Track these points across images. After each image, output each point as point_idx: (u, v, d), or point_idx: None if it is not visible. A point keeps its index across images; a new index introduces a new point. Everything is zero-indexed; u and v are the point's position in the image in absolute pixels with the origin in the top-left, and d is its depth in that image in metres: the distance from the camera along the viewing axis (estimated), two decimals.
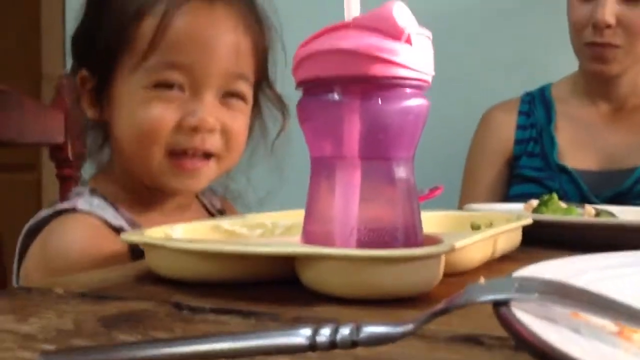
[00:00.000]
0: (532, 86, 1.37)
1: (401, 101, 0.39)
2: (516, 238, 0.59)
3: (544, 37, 1.50)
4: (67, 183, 0.95)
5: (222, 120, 0.68)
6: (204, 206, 0.82)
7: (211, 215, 0.81)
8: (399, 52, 0.38)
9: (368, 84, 0.39)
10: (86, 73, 0.71)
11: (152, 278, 0.45)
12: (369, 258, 0.37)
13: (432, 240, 0.43)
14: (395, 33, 0.38)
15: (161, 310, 0.37)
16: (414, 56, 0.39)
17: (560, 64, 1.39)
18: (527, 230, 0.61)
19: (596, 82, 1.26)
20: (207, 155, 0.69)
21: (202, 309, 0.37)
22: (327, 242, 0.40)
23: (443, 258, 0.41)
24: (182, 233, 0.54)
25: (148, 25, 0.66)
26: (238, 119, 0.70)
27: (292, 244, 0.40)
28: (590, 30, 1.18)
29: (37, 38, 1.86)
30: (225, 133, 0.69)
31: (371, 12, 0.40)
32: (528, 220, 0.59)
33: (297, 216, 0.63)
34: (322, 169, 0.41)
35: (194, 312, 0.37)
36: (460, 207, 1.33)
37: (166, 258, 0.43)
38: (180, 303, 0.38)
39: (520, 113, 1.34)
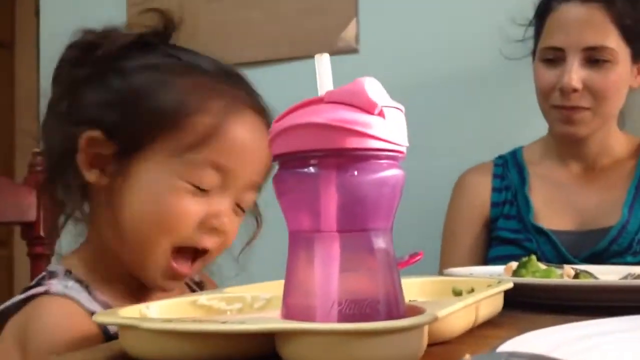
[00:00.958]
0: (503, 150, 1.39)
1: (377, 173, 0.39)
2: (498, 302, 0.58)
3: (513, 101, 1.54)
4: (38, 261, 0.93)
5: (232, 225, 0.70)
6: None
7: (191, 289, 0.79)
8: (373, 124, 0.39)
9: (343, 157, 0.39)
10: (101, 136, 0.67)
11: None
12: (351, 332, 0.37)
13: (415, 310, 0.42)
14: (368, 107, 0.39)
15: None
16: (388, 128, 0.39)
17: (529, 127, 1.43)
18: (507, 293, 0.61)
19: (566, 144, 1.29)
20: (203, 252, 0.69)
21: None
22: (308, 316, 0.39)
23: (426, 328, 0.40)
24: (158, 311, 0.53)
25: (202, 121, 0.66)
26: (237, 224, 0.72)
27: (272, 320, 0.40)
28: (558, 94, 1.21)
29: (10, 112, 1.86)
30: (226, 235, 0.70)
31: (343, 88, 0.40)
32: (509, 285, 0.59)
33: (276, 288, 0.62)
34: (301, 242, 0.41)
35: None
36: (440, 271, 1.33)
37: (141, 339, 0.42)
38: None
39: (495, 176, 1.35)
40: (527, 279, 0.71)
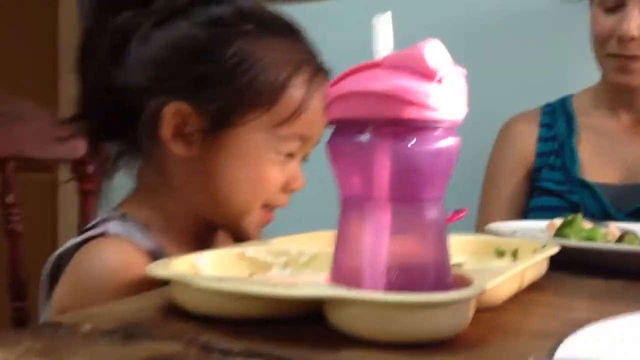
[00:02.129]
0: (552, 97, 1.35)
1: (433, 143, 0.39)
2: (542, 267, 0.58)
3: (565, 46, 1.49)
4: (87, 196, 0.95)
5: None
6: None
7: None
8: (431, 94, 0.38)
9: (399, 126, 0.38)
10: (189, 109, 0.67)
11: (180, 312, 0.45)
12: (399, 303, 0.37)
13: (463, 280, 0.42)
14: (427, 74, 0.38)
15: (191, 352, 0.37)
16: (446, 98, 0.38)
17: (580, 74, 1.38)
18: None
19: (619, 93, 1.25)
20: None
21: (230, 351, 0.37)
22: (356, 282, 0.40)
23: (474, 300, 0.40)
24: (208, 262, 0.54)
25: (293, 96, 0.69)
26: None
27: (320, 286, 0.40)
28: (615, 41, 1.16)
29: (54, 52, 1.87)
30: None
31: (403, 52, 0.39)
32: (554, 250, 0.58)
33: (321, 241, 0.63)
34: (352, 208, 0.41)
35: (223, 355, 0.37)
36: (479, 219, 1.32)
37: (192, 295, 0.43)
38: (209, 345, 0.38)
39: (542, 125, 1.32)
40: (572, 242, 0.70)
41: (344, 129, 0.40)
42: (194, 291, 0.42)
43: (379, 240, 0.40)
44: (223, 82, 0.67)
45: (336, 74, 0.71)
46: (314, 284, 0.41)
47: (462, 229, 0.89)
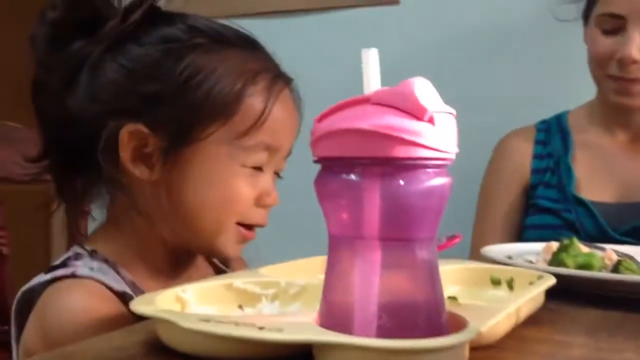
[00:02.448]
0: (544, 112, 1.35)
1: (423, 182, 0.37)
2: (539, 300, 0.56)
3: (559, 62, 1.48)
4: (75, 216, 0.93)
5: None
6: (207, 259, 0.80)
7: (215, 266, 0.79)
8: (421, 132, 0.36)
9: (389, 165, 0.37)
10: (145, 130, 0.65)
11: (161, 350, 0.43)
12: (390, 349, 0.36)
13: (456, 321, 0.41)
14: (417, 112, 0.37)
15: None
16: (437, 136, 0.37)
17: (575, 90, 1.37)
18: None
19: (616, 111, 1.24)
20: None
21: None
22: (346, 324, 0.38)
23: (468, 343, 0.39)
24: (193, 295, 0.53)
25: (252, 105, 0.67)
26: None
27: (309, 329, 0.39)
28: (615, 64, 1.15)
29: None
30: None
31: (392, 89, 0.38)
32: (550, 282, 0.57)
33: (311, 269, 0.61)
34: (341, 247, 0.40)
35: None
36: (474, 237, 1.31)
37: (176, 334, 0.42)
38: None
39: (537, 142, 1.31)
40: (568, 271, 0.68)
41: (332, 167, 0.39)
42: (178, 330, 0.41)
43: (369, 281, 0.38)
44: (176, 98, 0.65)
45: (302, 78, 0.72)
46: (302, 326, 0.39)
47: (458, 248, 0.88)
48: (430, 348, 0.36)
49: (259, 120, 0.66)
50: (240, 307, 0.54)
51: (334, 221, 0.40)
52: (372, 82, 0.40)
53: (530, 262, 0.77)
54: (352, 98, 0.39)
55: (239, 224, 0.69)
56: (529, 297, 0.51)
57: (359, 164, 0.37)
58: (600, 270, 0.74)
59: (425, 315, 0.39)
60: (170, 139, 0.65)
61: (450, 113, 0.39)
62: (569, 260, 0.75)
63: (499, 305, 0.46)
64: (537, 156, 1.30)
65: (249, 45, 0.71)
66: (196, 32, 0.68)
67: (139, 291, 0.66)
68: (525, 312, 0.52)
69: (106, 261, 0.67)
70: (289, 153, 0.72)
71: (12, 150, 0.85)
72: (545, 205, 1.25)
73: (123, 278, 0.66)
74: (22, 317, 0.65)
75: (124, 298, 0.64)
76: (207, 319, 0.40)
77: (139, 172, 0.66)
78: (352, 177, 0.38)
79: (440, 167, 0.38)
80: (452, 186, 0.40)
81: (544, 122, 1.33)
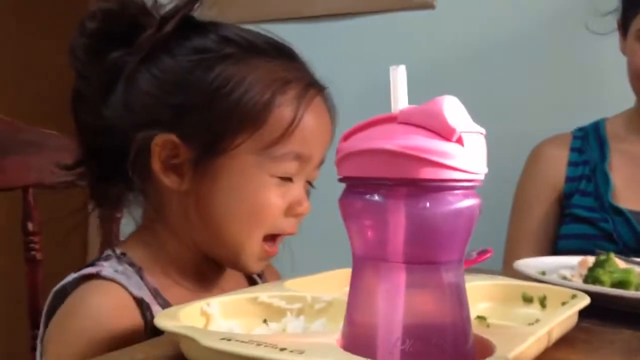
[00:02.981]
0: (581, 119, 1.31)
1: (450, 204, 0.36)
2: (572, 320, 0.55)
3: (596, 71, 1.45)
4: (108, 221, 0.94)
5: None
6: None
7: (248, 276, 0.79)
8: (449, 153, 0.35)
9: (415, 187, 0.36)
10: (176, 140, 0.65)
11: None
12: None
13: (483, 347, 0.40)
14: (445, 133, 0.36)
15: None
16: (465, 157, 0.36)
17: (613, 98, 1.34)
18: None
19: None
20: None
21: None
22: (369, 348, 0.38)
23: None
24: (219, 309, 0.52)
25: (281, 114, 0.66)
26: None
27: (331, 351, 0.38)
28: None
29: None
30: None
31: (420, 107, 0.37)
32: (584, 303, 0.55)
33: (338, 282, 0.61)
34: (365, 269, 0.39)
35: None
36: (507, 247, 1.28)
37: (198, 350, 0.42)
38: None
39: (572, 149, 1.28)
40: (603, 290, 0.66)
41: (356, 187, 0.38)
42: (199, 347, 0.41)
43: (394, 304, 0.37)
44: (205, 108, 0.65)
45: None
46: (324, 348, 0.38)
47: (491, 259, 0.86)
48: None
49: (288, 130, 0.66)
50: (265, 321, 0.53)
51: (358, 242, 0.39)
52: (400, 99, 0.39)
53: (565, 277, 0.75)
54: (379, 116, 0.38)
55: (265, 237, 0.68)
56: (561, 319, 0.49)
57: (384, 185, 0.36)
58: (637, 287, 0.72)
59: (450, 341, 0.37)
60: (201, 149, 0.65)
61: (480, 133, 0.38)
62: (605, 277, 0.73)
63: (529, 328, 0.45)
64: (572, 163, 1.27)
65: (281, 53, 0.70)
66: (227, 42, 0.68)
67: (162, 298, 0.67)
68: (557, 334, 0.51)
69: (132, 265, 0.68)
70: (322, 162, 0.71)
71: (47, 156, 0.86)
72: (581, 214, 1.22)
73: (146, 284, 0.67)
74: (51, 316, 0.66)
75: (141, 305, 0.64)
76: (228, 338, 0.40)
77: (170, 182, 0.67)
78: (377, 198, 0.37)
79: (469, 189, 0.37)
80: (481, 207, 0.38)
81: (581, 129, 1.30)
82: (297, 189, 0.68)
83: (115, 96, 0.67)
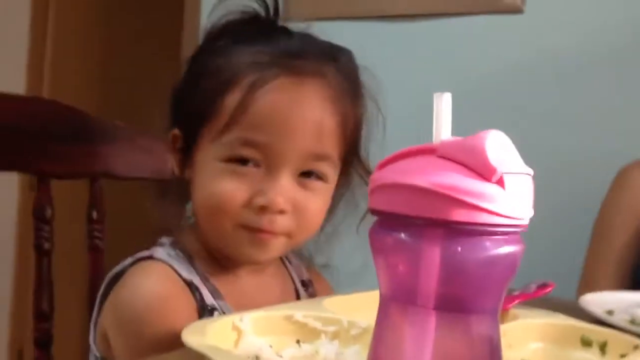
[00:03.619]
0: None
1: (487, 251, 0.33)
2: None
3: None
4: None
5: (296, 201, 0.66)
6: (289, 273, 0.79)
7: (295, 287, 0.78)
8: (486, 195, 0.32)
9: (449, 228, 0.33)
10: (177, 132, 0.71)
11: None
12: None
13: None
14: (485, 172, 0.32)
15: None
16: (505, 200, 0.32)
17: None
18: None
19: None
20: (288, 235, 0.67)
21: None
22: None
23: None
24: (251, 325, 0.51)
25: (233, 99, 0.65)
26: (315, 199, 0.67)
27: None
28: None
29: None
30: (299, 213, 0.66)
31: (462, 141, 0.34)
32: None
33: (376, 307, 0.58)
34: (392, 311, 0.36)
35: None
36: (582, 278, 1.21)
37: None
38: None
39: None
40: None
41: (388, 221, 0.35)
42: None
43: (420, 352, 0.35)
44: (184, 97, 0.70)
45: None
46: None
47: (564, 289, 0.81)
48: None
49: (234, 116, 0.64)
50: (298, 342, 0.52)
51: (385, 280, 0.36)
52: (443, 129, 0.36)
53: (634, 321, 0.69)
54: (417, 146, 0.36)
55: (243, 226, 0.65)
56: None
57: (414, 224, 0.34)
58: None
59: None
60: (185, 139, 0.69)
61: (527, 174, 0.34)
62: None
63: None
64: None
65: (263, 37, 0.68)
66: (213, 34, 0.71)
67: (211, 285, 0.68)
68: None
69: (183, 251, 0.69)
70: (320, 156, 0.66)
71: (112, 146, 0.88)
72: None
73: (196, 269, 0.68)
74: (105, 300, 0.69)
75: (190, 287, 0.66)
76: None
77: (178, 171, 0.71)
78: (407, 236, 0.34)
79: (509, 234, 0.34)
80: (522, 254, 0.35)
81: None
82: (265, 181, 0.64)
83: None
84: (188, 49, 1.98)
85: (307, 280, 0.79)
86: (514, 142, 0.34)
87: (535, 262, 1.18)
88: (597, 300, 0.73)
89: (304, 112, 0.65)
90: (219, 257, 0.71)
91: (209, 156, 0.66)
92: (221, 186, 0.65)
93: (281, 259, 0.79)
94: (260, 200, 0.64)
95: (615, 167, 1.24)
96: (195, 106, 0.68)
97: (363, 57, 0.73)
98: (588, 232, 1.23)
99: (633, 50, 1.39)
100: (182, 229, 0.73)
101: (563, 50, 1.47)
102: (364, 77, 0.72)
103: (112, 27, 2.59)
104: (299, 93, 0.65)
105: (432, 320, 0.34)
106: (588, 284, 1.14)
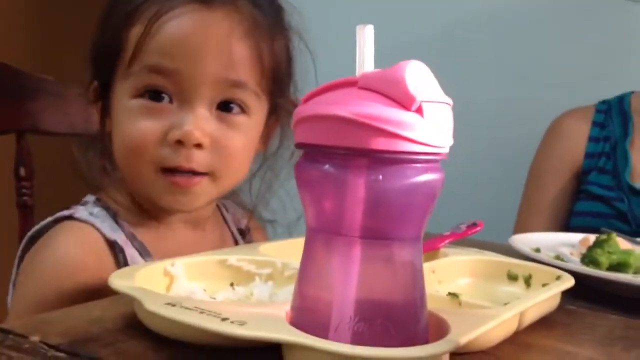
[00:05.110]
0: (608, 95, 1.26)
1: (407, 178, 0.34)
2: (552, 302, 0.52)
3: (622, 42, 1.38)
4: (104, 173, 0.94)
5: (215, 135, 0.63)
6: (225, 221, 0.78)
7: (231, 232, 0.78)
8: (406, 123, 0.33)
9: (369, 157, 0.33)
10: (96, 83, 0.68)
11: (137, 327, 0.42)
12: (360, 357, 0.33)
13: (438, 327, 0.38)
14: (404, 101, 0.33)
15: None
16: (425, 128, 0.33)
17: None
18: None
19: None
20: (200, 173, 0.64)
21: None
22: (318, 325, 0.36)
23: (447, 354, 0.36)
24: (184, 270, 0.51)
25: (138, 30, 0.62)
26: (236, 134, 0.64)
27: (276, 326, 0.36)
28: None
29: None
30: (219, 149, 0.63)
31: (382, 72, 0.34)
32: (567, 284, 0.52)
33: None
34: (318, 242, 0.37)
35: None
36: (517, 221, 1.25)
37: (145, 314, 0.41)
38: None
39: (594, 124, 1.23)
40: (589, 271, 0.63)
41: (311, 154, 0.36)
42: (145, 310, 0.39)
43: (346, 282, 0.35)
44: (96, 46, 0.68)
45: None
46: (267, 321, 0.37)
47: (501, 232, 0.83)
48: (400, 357, 0.33)
49: (138, 44, 0.62)
50: (232, 285, 0.52)
51: (312, 213, 0.37)
52: (365, 62, 0.36)
53: (559, 257, 0.72)
54: (339, 80, 0.36)
55: (165, 170, 0.63)
56: (535, 302, 0.47)
57: (336, 154, 0.34)
58: (636, 270, 0.69)
59: (398, 321, 0.35)
60: (100, 82, 0.68)
61: (446, 103, 0.35)
62: (603, 258, 0.70)
63: (496, 311, 0.43)
64: (592, 139, 1.22)
65: None
66: None
67: (137, 242, 0.67)
68: (532, 316, 0.48)
69: (107, 209, 0.67)
70: (237, 83, 0.63)
71: (41, 102, 0.85)
72: (597, 192, 1.18)
73: (121, 227, 0.66)
74: (23, 259, 0.67)
75: (114, 248, 0.64)
76: (173, 303, 0.38)
77: (101, 125, 0.69)
78: (330, 168, 0.34)
79: (429, 162, 0.35)
80: (443, 182, 0.36)
81: (604, 102, 1.25)
82: (180, 114, 0.62)
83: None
84: None
85: (245, 228, 0.79)
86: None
87: (468, 209, 1.21)
88: (525, 240, 0.76)
89: (213, 37, 0.62)
90: (149, 210, 0.69)
91: (120, 95, 0.64)
92: (135, 124, 0.62)
93: (219, 209, 0.78)
94: (174, 134, 0.61)
95: (547, 117, 1.28)
96: (104, 49, 0.66)
97: None
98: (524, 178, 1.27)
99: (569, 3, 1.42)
100: (109, 184, 0.71)
101: (495, 11, 1.49)
102: (290, 17, 0.70)
103: None
104: (207, 18, 0.62)
105: (357, 248, 0.35)
106: (521, 229, 1.19)
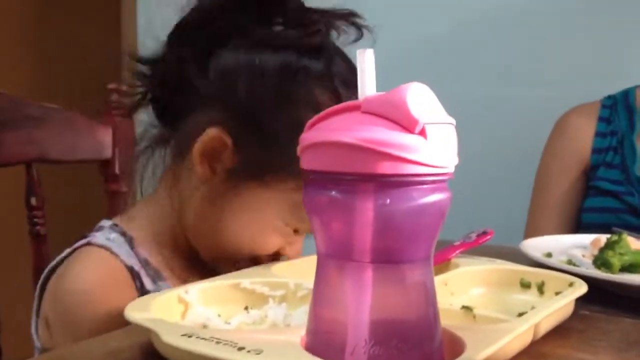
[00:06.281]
0: (613, 90, 1.25)
1: (414, 200, 0.34)
2: (567, 309, 0.52)
3: (628, 37, 1.37)
4: (115, 198, 0.95)
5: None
6: None
7: None
8: (409, 146, 0.33)
9: (376, 182, 0.34)
10: (230, 145, 0.63)
11: (154, 356, 0.42)
12: None
13: (453, 345, 0.38)
14: (407, 124, 0.33)
15: None
16: (429, 150, 0.33)
17: None
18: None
19: None
20: None
21: None
22: (334, 350, 0.36)
23: None
24: (197, 296, 0.51)
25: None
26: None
27: (291, 351, 0.36)
28: None
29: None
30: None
31: (384, 96, 0.34)
32: (581, 291, 0.52)
33: None
34: (330, 267, 0.37)
35: None
36: (529, 221, 1.25)
37: (162, 345, 0.41)
38: None
39: (600, 119, 1.23)
40: (604, 276, 0.63)
41: (319, 180, 0.36)
42: (163, 343, 0.40)
43: (359, 307, 0.36)
44: (275, 134, 0.62)
45: None
46: (284, 348, 0.37)
47: (510, 235, 0.83)
48: None
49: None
50: (246, 308, 0.52)
51: (322, 239, 0.37)
52: (367, 86, 0.36)
53: (570, 261, 0.72)
54: (342, 105, 0.36)
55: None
56: (549, 311, 0.47)
57: (342, 180, 0.34)
58: None
59: (413, 342, 0.35)
60: (244, 167, 0.63)
61: (450, 123, 0.35)
62: (615, 260, 0.70)
63: (510, 325, 0.43)
64: (599, 134, 1.22)
65: (331, 76, 0.63)
66: (312, 53, 0.63)
67: (152, 270, 0.67)
68: (547, 326, 0.48)
69: (123, 235, 0.68)
70: None
71: (49, 131, 0.86)
72: (606, 188, 1.18)
73: (136, 254, 0.67)
74: (44, 290, 0.67)
75: (131, 272, 0.65)
76: (189, 334, 0.39)
77: (201, 170, 0.64)
78: (337, 194, 0.35)
79: (435, 183, 0.35)
80: (451, 200, 0.36)
81: (610, 97, 1.25)
82: (296, 239, 0.67)
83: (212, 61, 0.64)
84: (126, 27, 1.93)
85: None
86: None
87: (478, 212, 1.21)
88: (536, 245, 0.76)
89: None
90: (177, 246, 0.69)
91: (272, 208, 0.64)
92: (273, 242, 0.65)
93: None
94: (290, 252, 0.67)
95: (553, 114, 1.28)
96: (276, 148, 0.62)
97: None
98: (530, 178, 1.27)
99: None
100: (125, 211, 0.72)
101: (504, 7, 1.49)
102: None
103: (49, 6, 2.49)
104: None
105: (368, 273, 0.35)
106: (533, 229, 1.18)
